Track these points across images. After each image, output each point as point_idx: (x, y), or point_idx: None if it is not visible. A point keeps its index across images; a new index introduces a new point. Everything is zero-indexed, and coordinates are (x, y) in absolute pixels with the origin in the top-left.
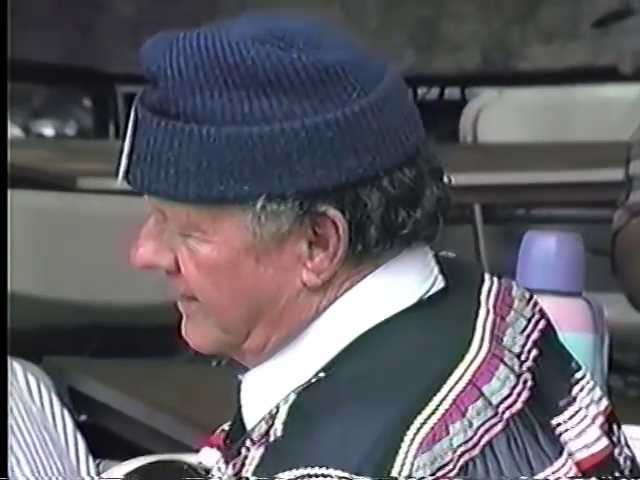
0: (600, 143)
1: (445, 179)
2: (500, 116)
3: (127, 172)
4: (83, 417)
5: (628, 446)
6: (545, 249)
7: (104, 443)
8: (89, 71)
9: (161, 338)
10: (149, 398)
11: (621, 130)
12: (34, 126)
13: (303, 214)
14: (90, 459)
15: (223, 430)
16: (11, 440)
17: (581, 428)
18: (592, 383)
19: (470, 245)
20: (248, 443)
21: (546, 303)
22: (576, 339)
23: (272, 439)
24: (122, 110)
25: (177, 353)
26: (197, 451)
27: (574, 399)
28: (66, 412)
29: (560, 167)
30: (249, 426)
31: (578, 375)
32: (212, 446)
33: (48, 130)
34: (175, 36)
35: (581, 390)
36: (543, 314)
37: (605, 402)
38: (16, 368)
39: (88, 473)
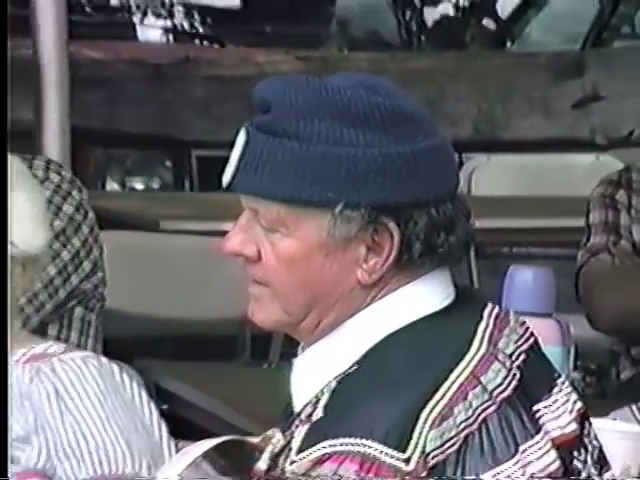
0: (566, 197)
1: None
2: (489, 175)
3: (232, 179)
4: (165, 406)
5: (596, 439)
6: (524, 279)
7: (181, 427)
8: (170, 139)
9: (223, 346)
10: (215, 393)
11: (582, 187)
12: (128, 181)
13: (369, 222)
14: (171, 439)
15: (266, 436)
16: (112, 424)
17: (556, 414)
18: (570, 388)
19: (465, 276)
20: (297, 422)
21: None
22: (549, 351)
23: (316, 418)
24: (195, 169)
25: (236, 358)
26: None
27: (553, 395)
28: (152, 403)
29: (535, 215)
30: (297, 407)
31: (559, 381)
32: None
33: (138, 184)
34: (288, 77)
35: (560, 391)
36: (532, 334)
37: (580, 404)
38: (114, 369)
39: (169, 450)
